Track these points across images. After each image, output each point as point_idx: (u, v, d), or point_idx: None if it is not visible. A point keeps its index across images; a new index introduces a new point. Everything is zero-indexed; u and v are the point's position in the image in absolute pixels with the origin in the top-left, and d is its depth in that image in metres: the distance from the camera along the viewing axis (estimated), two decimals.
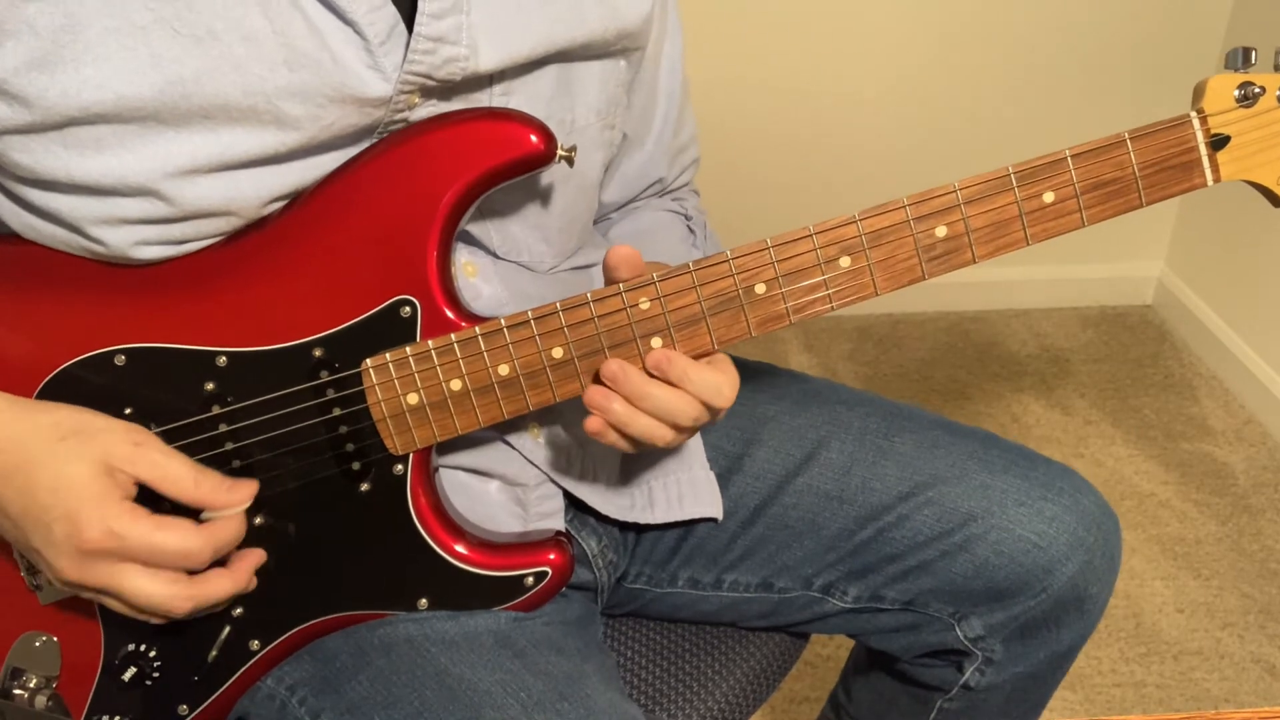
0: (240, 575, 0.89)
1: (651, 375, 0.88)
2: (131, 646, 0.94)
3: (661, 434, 0.89)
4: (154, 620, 0.87)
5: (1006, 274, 3.00)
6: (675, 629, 1.21)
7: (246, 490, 0.88)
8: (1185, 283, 2.95)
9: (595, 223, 1.18)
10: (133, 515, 0.82)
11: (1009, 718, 1.19)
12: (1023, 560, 1.06)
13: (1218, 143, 0.87)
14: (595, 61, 0.99)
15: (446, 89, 0.89)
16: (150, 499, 0.85)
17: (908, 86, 2.77)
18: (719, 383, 0.89)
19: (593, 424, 0.89)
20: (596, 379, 0.89)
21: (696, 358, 0.90)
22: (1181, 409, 2.67)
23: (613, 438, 0.90)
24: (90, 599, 0.87)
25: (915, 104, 2.79)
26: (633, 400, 0.88)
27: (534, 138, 0.86)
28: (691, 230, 1.18)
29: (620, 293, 0.87)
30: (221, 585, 0.88)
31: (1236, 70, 0.87)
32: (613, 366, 0.87)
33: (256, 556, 0.92)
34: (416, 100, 0.87)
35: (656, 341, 0.88)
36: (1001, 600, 1.08)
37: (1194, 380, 2.77)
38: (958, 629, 1.11)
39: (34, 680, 0.92)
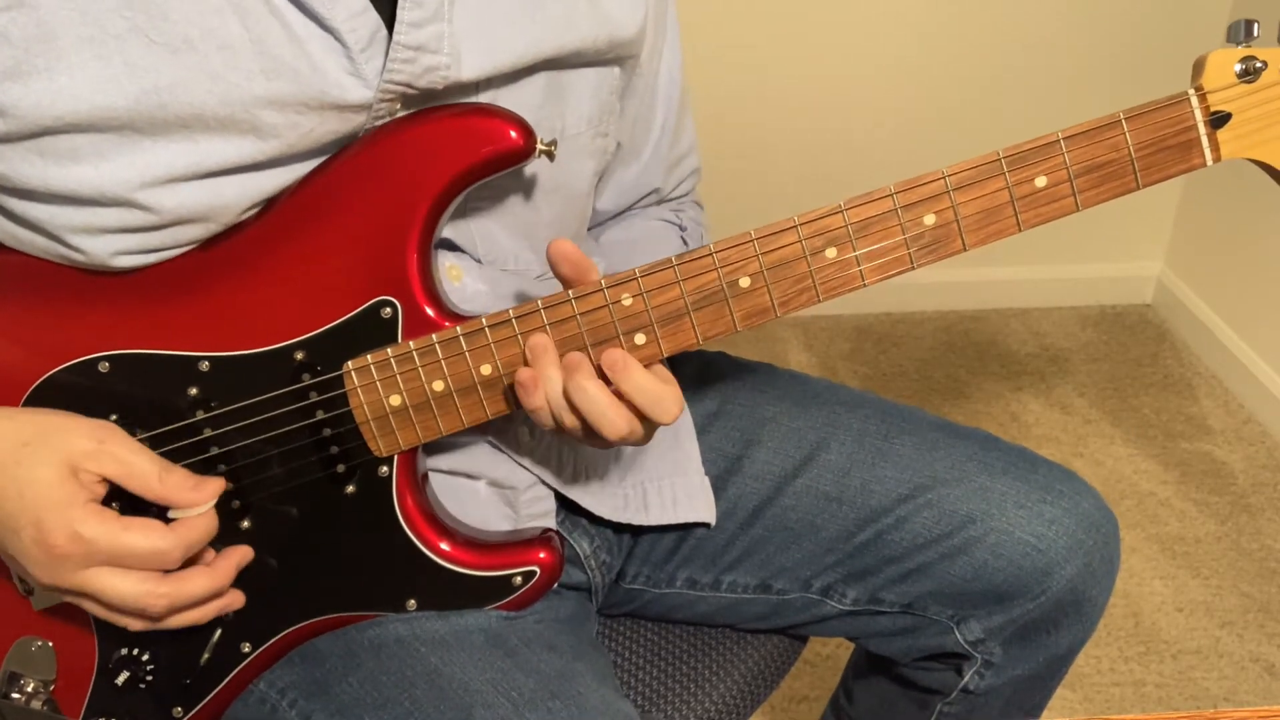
0: (220, 573, 0.89)
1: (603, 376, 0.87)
2: (125, 650, 0.94)
3: (577, 432, 0.89)
4: (133, 624, 0.87)
5: (1006, 273, 3.00)
6: (673, 630, 1.20)
7: (212, 487, 0.88)
8: (1185, 282, 2.95)
9: (589, 229, 1.17)
10: (99, 517, 0.82)
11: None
12: (1022, 563, 1.06)
13: (1217, 120, 0.85)
14: (588, 69, 0.99)
15: (429, 98, 0.88)
16: (128, 501, 0.85)
17: (896, 67, 2.75)
18: (661, 394, 0.87)
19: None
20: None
21: (678, 355, 0.89)
22: (1181, 408, 2.66)
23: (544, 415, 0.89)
24: (72, 601, 0.87)
25: (904, 87, 2.77)
26: (568, 392, 0.87)
27: (513, 132, 0.86)
28: (685, 242, 1.18)
29: (603, 289, 0.86)
30: (199, 583, 0.87)
31: (1238, 44, 0.84)
32: (574, 358, 0.86)
33: (240, 554, 0.91)
34: (398, 108, 0.87)
35: (640, 338, 0.88)
36: (1000, 603, 1.08)
37: (1193, 380, 2.76)
38: (957, 632, 1.11)
39: (31, 684, 0.93)
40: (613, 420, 0.87)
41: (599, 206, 1.15)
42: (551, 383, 0.87)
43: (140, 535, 0.83)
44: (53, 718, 0.90)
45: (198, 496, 0.86)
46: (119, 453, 0.84)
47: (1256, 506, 2.36)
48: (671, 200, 1.22)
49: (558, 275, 0.87)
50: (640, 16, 1.00)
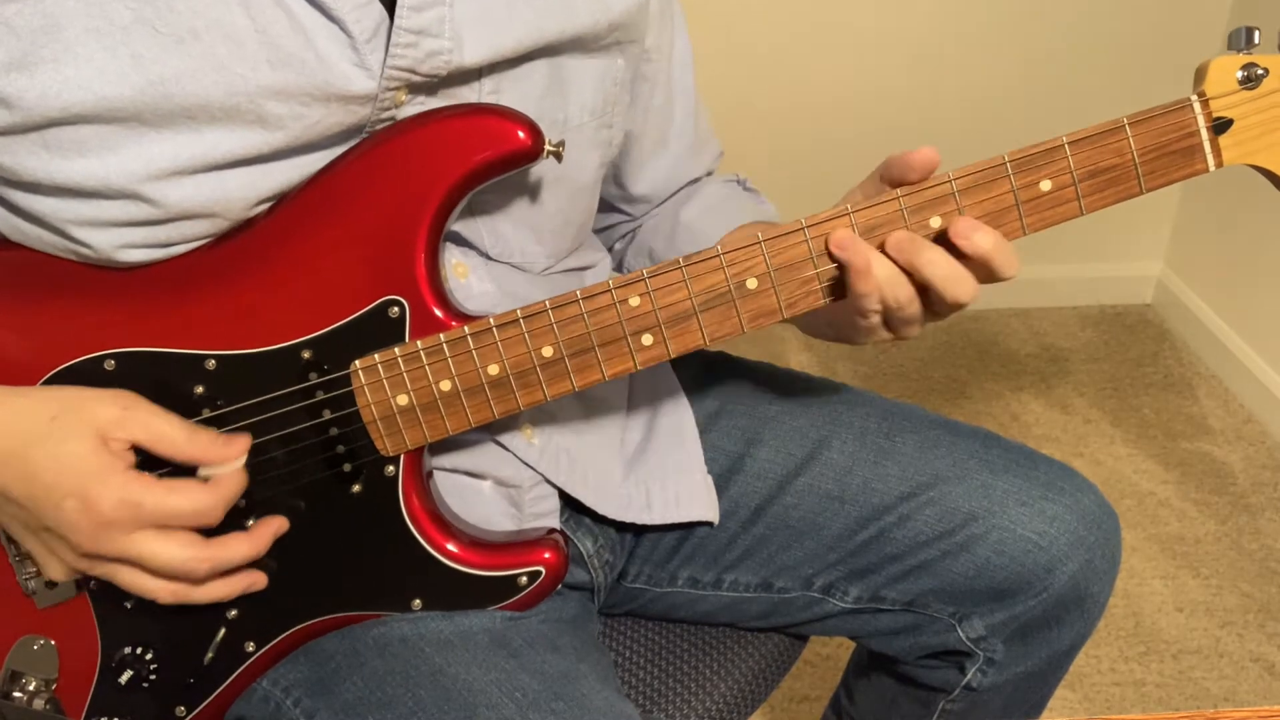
0: (259, 539, 0.90)
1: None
2: (128, 650, 0.94)
3: (904, 311, 0.87)
4: (164, 593, 0.87)
5: None
6: (674, 629, 1.20)
7: (241, 444, 0.88)
8: (1185, 282, 2.95)
9: (647, 216, 1.20)
10: (142, 482, 0.83)
11: (1011, 717, 1.19)
12: (1024, 560, 1.06)
13: (1219, 126, 0.85)
14: (590, 59, 0.99)
15: (433, 85, 0.88)
16: (151, 462, 0.85)
17: (903, 72, 2.76)
18: (1000, 247, 0.85)
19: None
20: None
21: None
22: (1181, 408, 2.66)
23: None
24: (104, 574, 0.87)
25: (911, 91, 2.78)
26: (919, 268, 0.85)
27: (521, 133, 0.86)
28: (750, 191, 1.20)
29: (610, 289, 0.87)
30: (239, 548, 0.88)
31: (1239, 51, 0.85)
32: (903, 236, 0.85)
33: (277, 524, 0.91)
34: (403, 98, 0.87)
35: (647, 339, 0.88)
36: (1003, 600, 1.08)
37: (1193, 379, 2.76)
38: (959, 629, 1.11)
39: (33, 683, 0.93)
40: (964, 278, 0.86)
41: (637, 191, 1.17)
42: (881, 264, 0.86)
43: (185, 495, 0.84)
44: (55, 717, 0.90)
45: (229, 452, 0.87)
46: (144, 418, 0.84)
47: (1256, 506, 2.36)
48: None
49: (901, 177, 0.87)
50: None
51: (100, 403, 0.84)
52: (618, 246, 1.23)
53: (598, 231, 1.21)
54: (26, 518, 0.85)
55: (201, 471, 0.87)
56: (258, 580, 0.92)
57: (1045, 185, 0.86)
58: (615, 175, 1.15)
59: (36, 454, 0.82)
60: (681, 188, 1.20)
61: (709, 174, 1.24)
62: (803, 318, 0.97)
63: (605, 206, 1.19)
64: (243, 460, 0.88)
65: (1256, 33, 0.84)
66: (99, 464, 0.82)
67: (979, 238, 0.84)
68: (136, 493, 0.82)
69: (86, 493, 0.81)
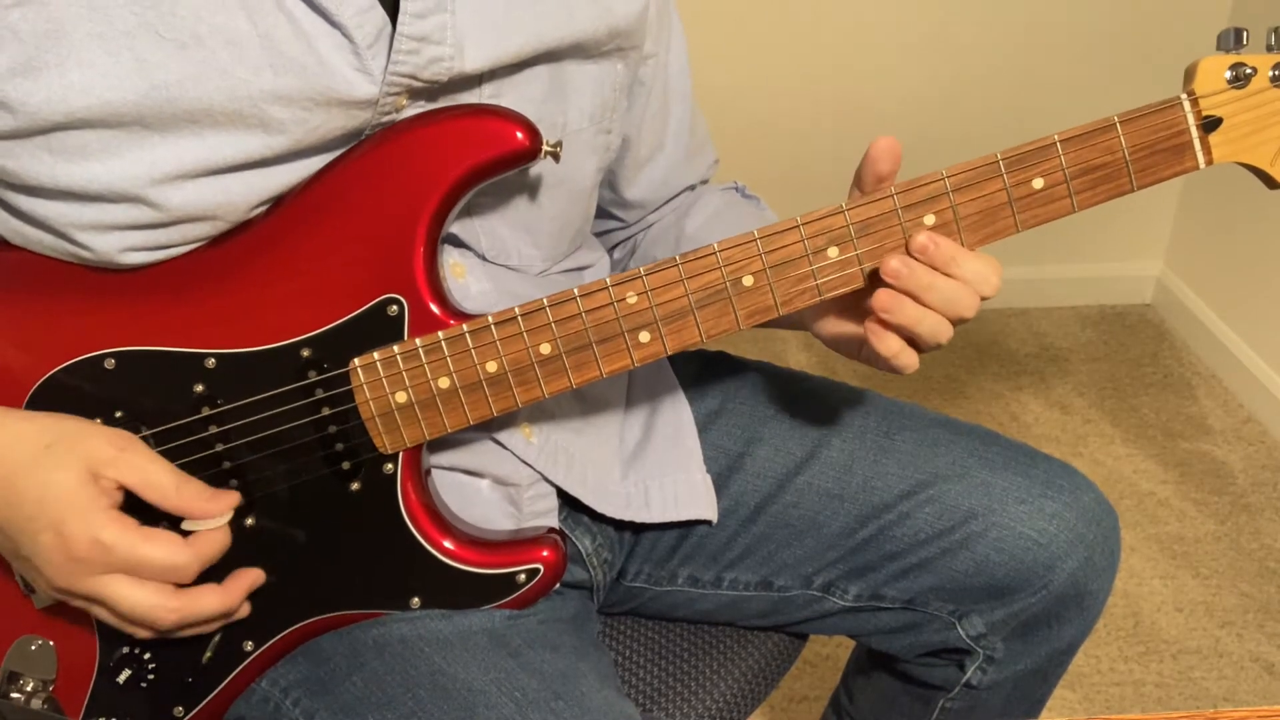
0: (232, 593, 0.89)
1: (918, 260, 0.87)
2: (126, 650, 0.94)
3: (945, 331, 0.88)
4: (141, 632, 0.87)
5: (1005, 273, 2.93)
6: (674, 628, 1.20)
7: (228, 500, 0.88)
8: (1184, 282, 2.95)
9: (643, 224, 1.20)
10: (119, 526, 0.83)
11: (1010, 716, 1.19)
12: (1023, 557, 1.06)
13: (1209, 125, 0.87)
14: (590, 64, 0.99)
15: (434, 90, 0.88)
16: (139, 507, 0.85)
17: (896, 71, 2.75)
18: (986, 271, 0.88)
19: (873, 326, 0.88)
20: (875, 276, 0.88)
21: (680, 354, 0.89)
22: (1180, 408, 2.66)
23: (892, 341, 0.89)
24: (80, 606, 0.87)
25: (903, 90, 2.77)
26: (918, 294, 0.87)
27: (519, 134, 0.86)
28: (747, 196, 1.20)
29: (607, 287, 0.87)
30: (210, 601, 0.88)
31: (1228, 51, 0.86)
32: (894, 263, 0.86)
33: (252, 577, 0.91)
34: (404, 103, 0.87)
35: (644, 336, 0.88)
36: (1002, 597, 1.08)
37: (1193, 379, 2.76)
38: (959, 627, 1.11)
39: (31, 684, 0.92)
40: (965, 299, 0.88)
41: (631, 196, 1.16)
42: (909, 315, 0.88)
43: (159, 547, 0.84)
44: (53, 717, 0.90)
45: (213, 508, 0.87)
46: (138, 461, 0.84)
47: (1256, 506, 2.36)
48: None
49: (874, 173, 0.88)
50: (639, 6, 1.01)
51: (97, 439, 0.84)
52: (617, 255, 1.24)
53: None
54: (6, 544, 0.85)
55: (185, 524, 0.87)
56: (240, 614, 0.92)
57: (1038, 183, 0.87)
58: (610, 180, 1.15)
59: (25, 481, 0.82)
60: (677, 195, 1.20)
61: (704, 181, 1.24)
62: (829, 334, 0.98)
63: (599, 212, 1.18)
64: (227, 518, 0.88)
65: (1245, 33, 0.86)
66: (81, 499, 0.82)
67: (942, 254, 0.87)
68: (110, 536, 0.82)
69: (62, 527, 0.81)
